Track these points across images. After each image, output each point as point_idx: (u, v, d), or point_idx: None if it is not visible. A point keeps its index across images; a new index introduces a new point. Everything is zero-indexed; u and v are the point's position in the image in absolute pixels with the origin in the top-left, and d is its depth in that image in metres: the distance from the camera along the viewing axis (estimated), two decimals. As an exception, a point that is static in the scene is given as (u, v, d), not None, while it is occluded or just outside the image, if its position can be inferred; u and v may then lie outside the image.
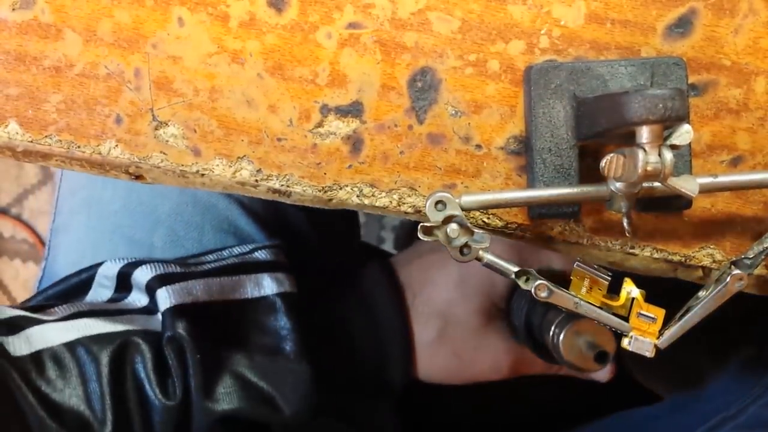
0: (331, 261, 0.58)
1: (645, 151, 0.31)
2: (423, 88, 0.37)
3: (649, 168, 0.31)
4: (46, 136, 0.37)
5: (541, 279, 0.35)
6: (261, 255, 0.48)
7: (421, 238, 0.34)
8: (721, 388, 0.49)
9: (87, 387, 0.40)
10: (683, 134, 0.32)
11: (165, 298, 0.43)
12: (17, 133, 0.37)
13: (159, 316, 0.44)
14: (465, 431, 0.58)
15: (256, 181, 0.38)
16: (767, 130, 0.37)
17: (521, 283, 0.35)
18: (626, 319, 0.35)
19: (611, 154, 0.32)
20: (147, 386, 0.41)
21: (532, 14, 0.37)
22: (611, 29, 0.37)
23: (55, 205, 0.57)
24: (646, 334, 0.35)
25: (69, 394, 0.40)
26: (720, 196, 0.38)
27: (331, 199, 0.38)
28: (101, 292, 0.48)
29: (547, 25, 0.37)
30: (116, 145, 0.37)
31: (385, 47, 0.37)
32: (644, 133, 0.31)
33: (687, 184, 0.32)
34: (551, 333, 0.41)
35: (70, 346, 0.41)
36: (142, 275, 0.45)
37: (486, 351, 0.47)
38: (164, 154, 0.38)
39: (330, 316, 0.48)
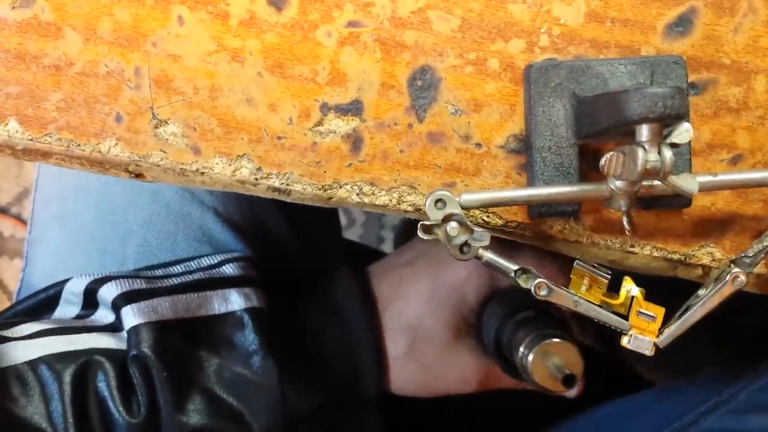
0: (312, 266, 0.58)
1: (645, 149, 0.31)
2: (423, 86, 0.37)
3: (648, 166, 0.31)
4: (46, 135, 0.37)
5: (540, 277, 0.35)
6: (229, 269, 0.48)
7: (421, 236, 0.34)
8: (713, 375, 0.50)
9: (49, 405, 0.40)
10: (683, 133, 0.32)
11: (130, 316, 0.44)
12: (17, 132, 0.37)
13: (125, 333, 0.44)
14: (453, 421, 0.58)
15: (256, 179, 0.38)
16: (767, 128, 0.37)
17: (521, 281, 0.35)
18: (626, 317, 0.35)
19: (611, 153, 0.32)
20: (110, 404, 0.41)
21: (532, 13, 0.37)
22: (611, 28, 0.37)
23: (30, 216, 0.57)
24: (645, 333, 0.35)
25: (32, 411, 0.40)
26: (720, 195, 0.38)
27: (330, 198, 0.38)
28: (68, 308, 0.48)
29: (547, 24, 0.37)
30: (116, 144, 0.37)
31: (385, 46, 0.37)
32: (644, 132, 0.31)
33: (686, 183, 0.32)
34: (520, 353, 0.41)
35: (33, 364, 0.41)
36: (107, 292, 0.46)
37: (455, 365, 0.47)
38: (164, 152, 0.38)
39: (301, 327, 0.48)
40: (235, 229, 0.53)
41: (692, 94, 0.37)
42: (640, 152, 0.31)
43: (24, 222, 1.28)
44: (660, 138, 0.31)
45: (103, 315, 0.46)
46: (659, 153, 0.31)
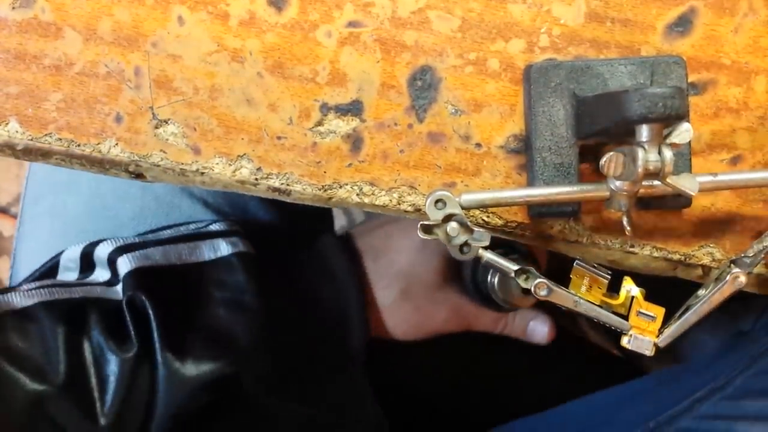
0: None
1: (645, 149, 0.31)
2: (423, 86, 0.37)
3: (648, 166, 0.31)
4: (46, 135, 0.37)
5: (540, 277, 0.35)
6: (216, 226, 0.51)
7: (421, 236, 0.34)
8: (709, 361, 0.50)
9: (44, 343, 0.42)
10: (683, 133, 0.32)
11: (125, 264, 0.46)
12: (17, 132, 0.37)
13: (119, 286, 0.46)
14: (446, 414, 0.60)
15: (256, 179, 0.38)
16: (767, 128, 0.37)
17: (521, 281, 0.35)
18: (626, 317, 0.35)
19: (611, 153, 0.32)
20: (103, 342, 0.43)
21: (532, 13, 0.37)
22: (611, 28, 0.37)
23: (20, 213, 0.58)
24: (645, 333, 0.35)
25: (29, 350, 0.42)
26: (720, 195, 0.38)
27: (330, 198, 0.38)
28: (67, 275, 0.50)
29: (547, 24, 0.37)
30: (116, 144, 0.37)
31: (385, 46, 0.37)
32: (644, 132, 0.31)
33: (687, 183, 0.32)
34: (489, 277, 0.47)
35: (30, 308, 0.43)
36: (103, 250, 0.48)
37: (443, 306, 0.52)
38: (164, 152, 0.38)
39: (289, 277, 0.50)
40: (224, 219, 0.55)
41: (692, 95, 0.37)
42: (641, 152, 0.31)
43: (24, 222, 1.28)
44: (660, 138, 0.31)
45: (100, 274, 0.48)
46: (659, 153, 0.31)
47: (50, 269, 0.51)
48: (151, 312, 0.43)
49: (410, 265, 0.51)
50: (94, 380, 0.42)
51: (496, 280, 0.46)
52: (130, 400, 0.42)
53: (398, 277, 0.51)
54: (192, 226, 0.51)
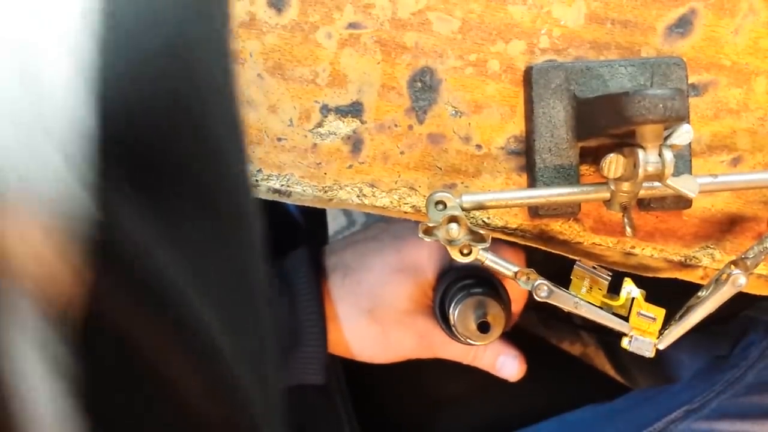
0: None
1: (645, 151, 0.31)
2: (423, 88, 0.37)
3: (649, 168, 0.31)
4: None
5: (540, 279, 0.35)
6: None
7: (421, 238, 0.34)
8: (686, 383, 0.51)
9: None
10: (683, 134, 0.32)
11: None
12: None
13: None
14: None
15: (257, 180, 0.38)
16: (767, 130, 0.37)
17: (521, 282, 0.35)
18: (626, 318, 0.35)
19: (611, 154, 0.32)
20: None
21: (532, 14, 0.37)
22: (611, 29, 0.37)
23: None
24: (645, 334, 0.35)
25: None
26: (720, 196, 0.38)
27: (331, 199, 0.38)
28: None
29: (547, 25, 0.37)
30: (116, 145, 0.37)
31: (386, 47, 0.37)
32: (644, 133, 0.31)
33: (687, 184, 0.32)
34: (451, 309, 0.45)
35: None
36: None
37: (411, 331, 0.50)
38: (164, 154, 0.38)
39: None
40: None
41: (692, 96, 0.37)
42: (641, 154, 0.31)
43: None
44: (660, 140, 0.31)
45: None
46: (659, 155, 0.31)
47: None
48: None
49: (380, 285, 0.50)
50: None
51: (456, 313, 0.44)
52: None
53: (366, 297, 0.50)
54: None
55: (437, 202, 0.34)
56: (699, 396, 0.47)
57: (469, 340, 0.44)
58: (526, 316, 0.55)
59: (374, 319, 0.50)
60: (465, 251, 0.34)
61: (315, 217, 0.64)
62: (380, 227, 0.52)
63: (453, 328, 0.44)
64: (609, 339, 0.66)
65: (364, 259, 0.50)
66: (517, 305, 0.48)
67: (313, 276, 0.49)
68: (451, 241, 0.34)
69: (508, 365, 0.51)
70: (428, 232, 0.34)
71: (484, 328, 0.42)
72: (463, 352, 0.51)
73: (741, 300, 0.37)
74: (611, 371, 0.68)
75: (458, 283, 0.46)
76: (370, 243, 0.51)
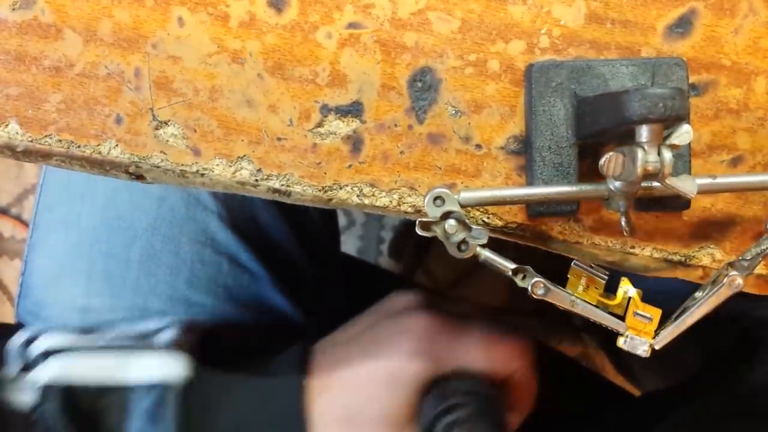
0: (312, 270, 0.59)
1: (644, 150, 0.31)
2: (423, 87, 0.37)
3: (648, 167, 0.31)
4: (46, 136, 0.37)
5: (537, 276, 0.35)
6: (165, 335, 0.48)
7: (420, 233, 0.34)
8: (689, 382, 0.51)
9: None
10: (683, 134, 0.32)
11: (47, 370, 0.44)
12: (17, 133, 0.37)
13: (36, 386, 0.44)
14: None
15: (256, 180, 0.38)
16: (767, 130, 0.37)
17: (518, 280, 0.35)
18: (622, 318, 0.35)
19: (610, 153, 0.32)
20: None
21: (532, 14, 0.37)
22: (611, 29, 0.37)
23: (32, 221, 0.58)
24: (641, 334, 0.35)
25: None
26: (720, 196, 0.38)
27: (331, 199, 0.38)
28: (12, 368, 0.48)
29: (547, 25, 0.37)
30: (116, 145, 0.37)
31: (385, 47, 0.37)
32: (644, 133, 0.31)
33: (685, 185, 0.32)
34: None
35: None
36: (38, 347, 0.46)
37: None
38: (164, 153, 0.38)
39: (232, 405, 0.47)
40: (238, 233, 0.55)
41: (692, 96, 0.37)
42: (640, 153, 0.31)
43: (24, 223, 1.28)
44: (660, 139, 0.31)
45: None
46: (659, 154, 0.31)
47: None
48: None
49: (355, 406, 0.45)
50: None
51: None
52: None
53: (339, 421, 0.45)
54: (139, 328, 0.49)
55: (436, 198, 0.34)
56: (702, 395, 0.47)
57: None
58: (528, 322, 0.54)
59: (349, 428, 0.45)
60: (462, 247, 0.34)
61: (325, 212, 0.63)
62: (363, 324, 0.49)
63: None
64: (612, 340, 0.66)
65: (336, 371, 0.46)
66: (523, 403, 0.45)
67: (297, 384, 0.46)
68: (448, 237, 0.34)
69: None
70: (426, 227, 0.34)
71: None
72: None
73: (746, 299, 0.37)
74: (612, 371, 0.68)
75: (446, 416, 0.42)
76: (348, 347, 0.48)
